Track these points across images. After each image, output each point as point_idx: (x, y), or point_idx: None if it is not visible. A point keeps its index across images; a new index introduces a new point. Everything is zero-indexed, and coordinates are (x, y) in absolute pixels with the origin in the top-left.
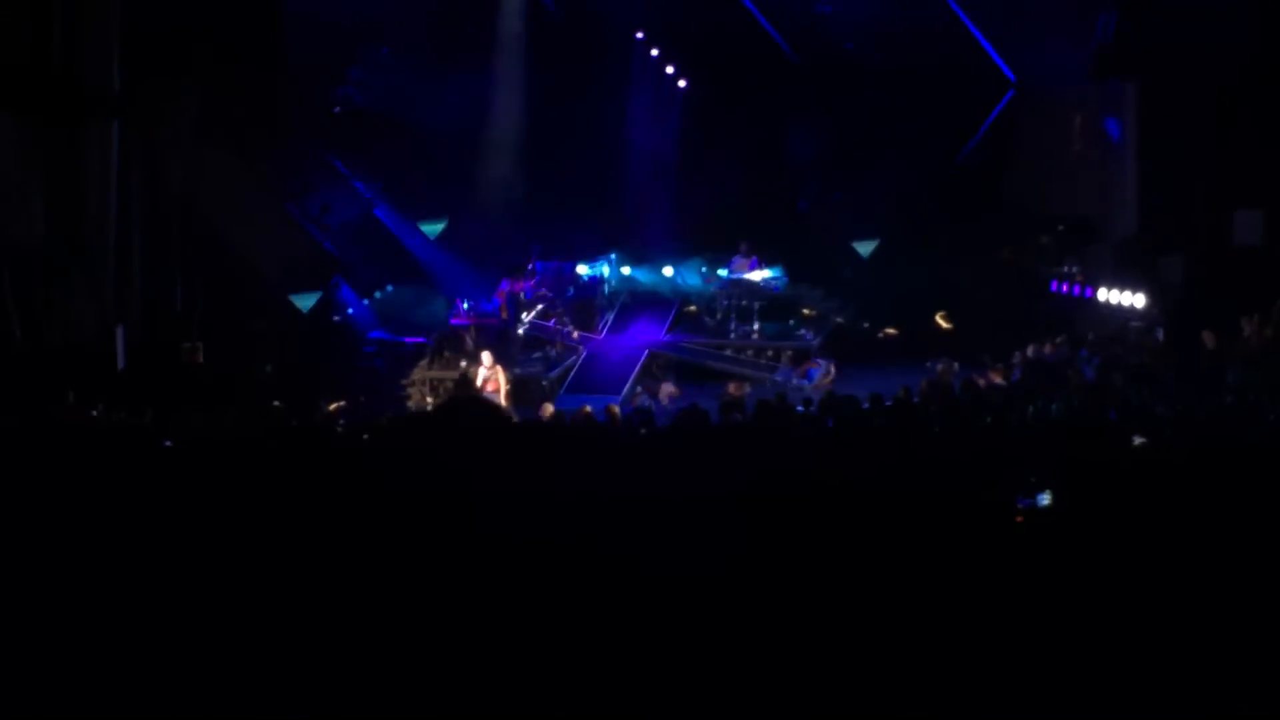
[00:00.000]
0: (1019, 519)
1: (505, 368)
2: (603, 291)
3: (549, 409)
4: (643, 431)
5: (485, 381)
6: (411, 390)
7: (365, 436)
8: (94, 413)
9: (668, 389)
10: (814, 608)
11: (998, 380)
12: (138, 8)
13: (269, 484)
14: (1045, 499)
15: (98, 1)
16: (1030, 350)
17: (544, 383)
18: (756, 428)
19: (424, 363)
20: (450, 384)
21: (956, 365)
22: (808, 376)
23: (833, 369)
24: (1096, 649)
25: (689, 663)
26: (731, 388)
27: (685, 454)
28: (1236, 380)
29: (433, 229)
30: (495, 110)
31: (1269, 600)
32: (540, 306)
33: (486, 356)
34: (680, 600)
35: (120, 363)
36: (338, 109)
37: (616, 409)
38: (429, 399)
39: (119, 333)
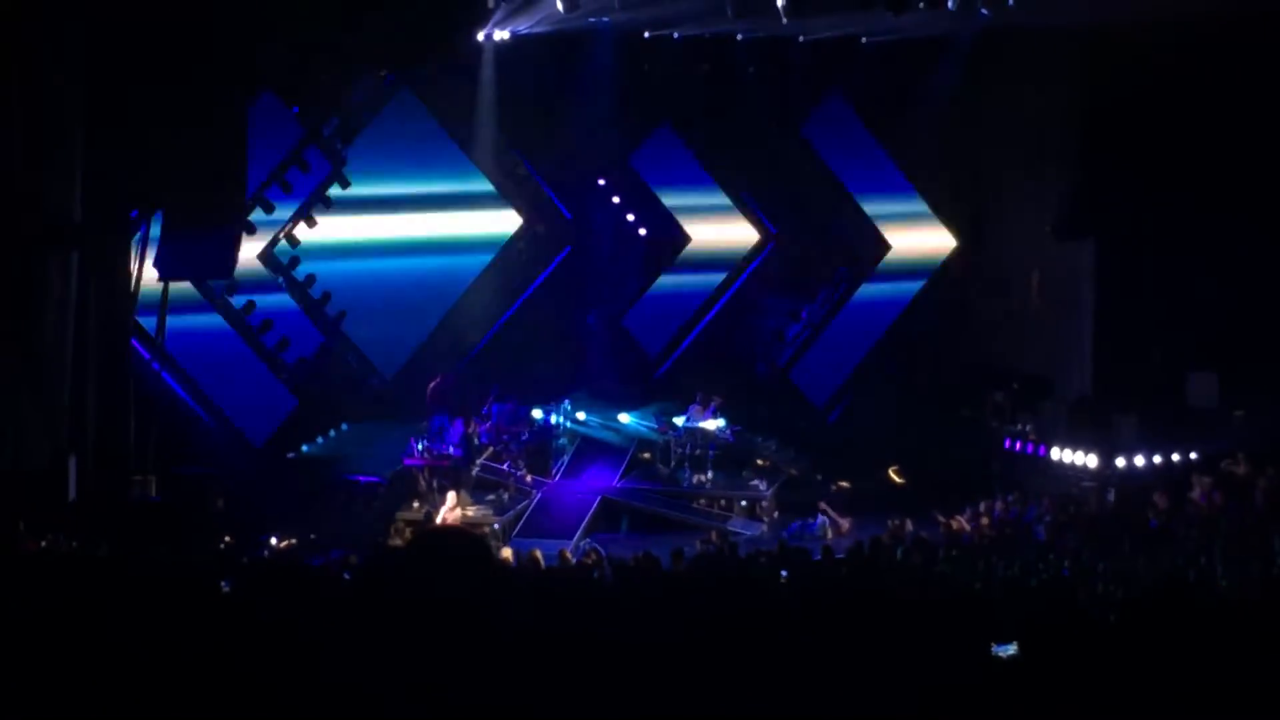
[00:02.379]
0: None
1: (464, 509)
2: (557, 436)
3: (506, 552)
4: (595, 575)
5: (443, 520)
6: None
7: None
8: (43, 543)
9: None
10: None
11: (952, 535)
12: (101, 138)
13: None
14: (1011, 649)
15: (60, 130)
16: (982, 507)
17: (496, 525)
18: (708, 577)
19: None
20: (404, 524)
21: (910, 524)
22: (809, 527)
23: (844, 523)
24: None
25: None
26: (714, 536)
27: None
28: (1188, 542)
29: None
30: (461, 255)
31: None
32: (494, 449)
33: (451, 497)
34: None
35: (71, 493)
36: (298, 245)
37: (569, 553)
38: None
39: (71, 463)
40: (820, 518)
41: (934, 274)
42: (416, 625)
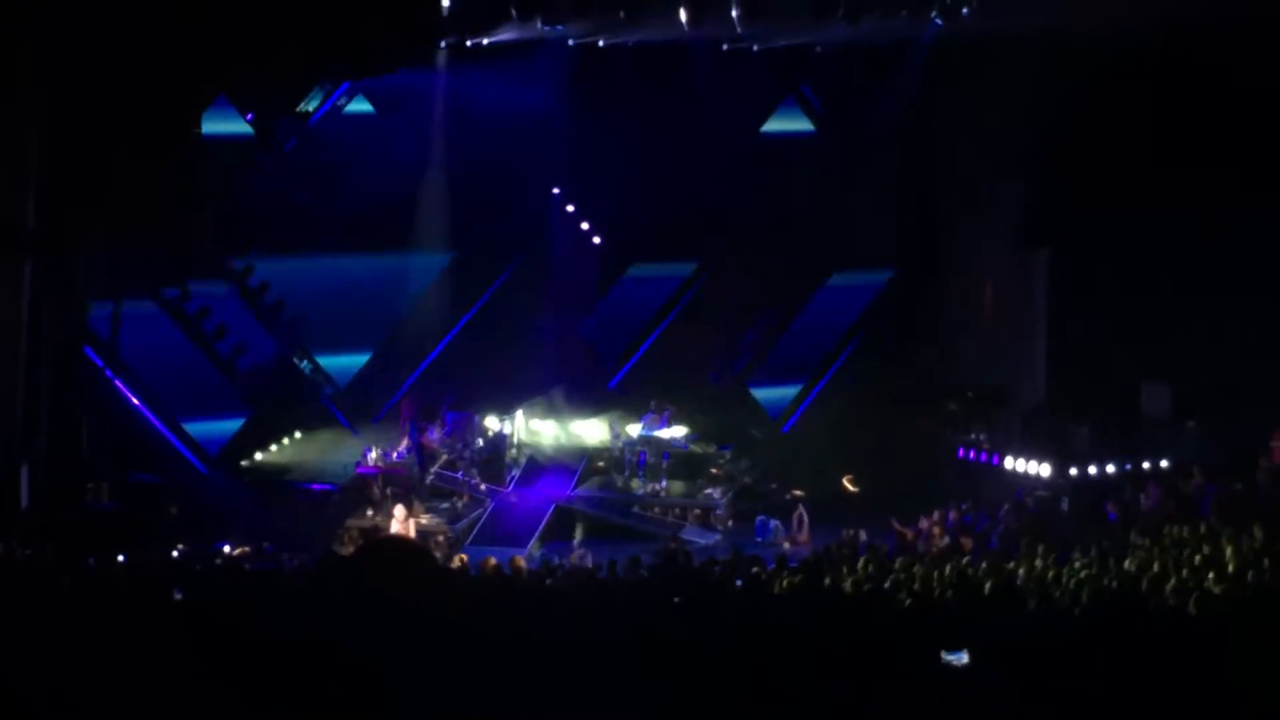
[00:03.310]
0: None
1: (417, 517)
2: (511, 445)
3: (462, 559)
4: (548, 582)
5: (395, 531)
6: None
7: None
8: None
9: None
10: None
11: (907, 543)
12: (55, 144)
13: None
14: (964, 656)
15: (14, 137)
16: (937, 516)
17: (450, 534)
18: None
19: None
20: (355, 531)
21: (864, 533)
22: (766, 531)
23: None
24: None
25: None
26: (673, 541)
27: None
28: (1140, 550)
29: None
30: (416, 261)
31: None
32: (448, 457)
33: (399, 510)
34: None
35: (24, 500)
36: (253, 251)
37: (521, 561)
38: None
39: (24, 471)
40: (774, 522)
41: (887, 283)
42: (365, 629)
